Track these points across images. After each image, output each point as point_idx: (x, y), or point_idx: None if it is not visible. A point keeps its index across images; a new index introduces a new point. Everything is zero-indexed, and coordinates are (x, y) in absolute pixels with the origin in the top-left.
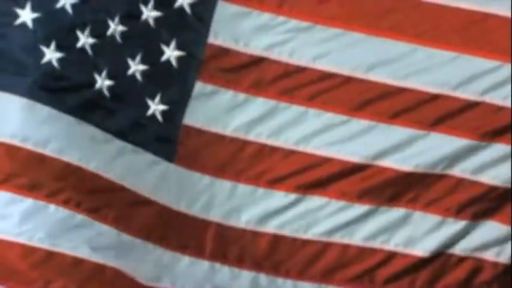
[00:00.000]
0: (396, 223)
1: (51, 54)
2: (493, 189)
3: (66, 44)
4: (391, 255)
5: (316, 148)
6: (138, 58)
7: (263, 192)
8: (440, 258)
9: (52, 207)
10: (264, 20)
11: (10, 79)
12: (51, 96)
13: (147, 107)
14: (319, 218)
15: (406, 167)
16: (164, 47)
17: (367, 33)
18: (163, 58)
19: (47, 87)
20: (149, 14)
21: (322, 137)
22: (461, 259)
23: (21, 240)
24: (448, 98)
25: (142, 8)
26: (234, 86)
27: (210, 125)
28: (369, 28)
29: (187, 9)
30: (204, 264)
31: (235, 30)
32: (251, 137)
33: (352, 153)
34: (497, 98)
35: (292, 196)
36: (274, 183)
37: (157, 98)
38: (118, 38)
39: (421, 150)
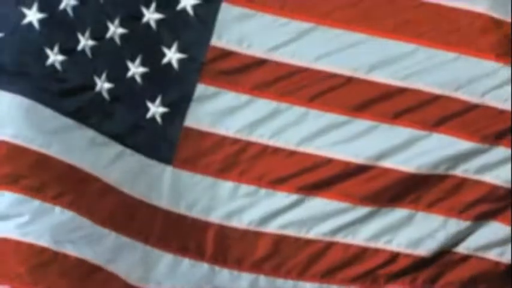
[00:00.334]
0: (399, 224)
1: (54, 57)
2: (496, 189)
3: (68, 47)
4: (393, 256)
5: (319, 149)
6: (138, 60)
7: (265, 193)
8: (443, 256)
9: (57, 209)
10: (267, 22)
11: (15, 79)
12: (52, 98)
13: (147, 110)
14: (321, 219)
15: (409, 167)
16: (165, 50)
17: (368, 33)
18: (164, 60)
19: (49, 89)
20: (151, 16)
21: (324, 137)
22: (464, 258)
23: (28, 240)
24: (449, 99)
25: (144, 10)
26: (236, 87)
27: (212, 127)
28: (370, 29)
29: (190, 11)
30: (204, 267)
31: (238, 32)
32: (253, 138)
33: (354, 154)
34: (497, 100)
35: (295, 197)
36: (276, 183)
37: (158, 101)
38: (117, 40)
39: (423, 151)
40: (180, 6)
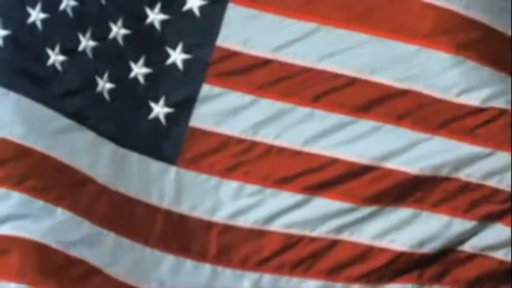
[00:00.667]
0: (403, 222)
1: (55, 57)
2: (499, 193)
3: (68, 47)
4: (398, 255)
5: (324, 149)
6: (141, 61)
7: (270, 193)
8: (448, 254)
9: (59, 210)
10: (272, 22)
11: (19, 80)
12: (53, 98)
13: (150, 110)
14: (326, 218)
15: (412, 169)
16: (170, 50)
17: (372, 34)
18: (169, 61)
19: (50, 89)
20: (155, 17)
21: (329, 138)
22: (470, 256)
23: (33, 239)
24: (450, 103)
25: (148, 11)
26: (240, 87)
27: (217, 127)
28: (374, 29)
29: (197, 12)
30: (206, 268)
31: (244, 32)
32: (258, 138)
33: (358, 154)
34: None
35: (300, 197)
36: (282, 183)
37: (162, 101)
38: (120, 41)
39: (426, 153)
40: (186, 7)
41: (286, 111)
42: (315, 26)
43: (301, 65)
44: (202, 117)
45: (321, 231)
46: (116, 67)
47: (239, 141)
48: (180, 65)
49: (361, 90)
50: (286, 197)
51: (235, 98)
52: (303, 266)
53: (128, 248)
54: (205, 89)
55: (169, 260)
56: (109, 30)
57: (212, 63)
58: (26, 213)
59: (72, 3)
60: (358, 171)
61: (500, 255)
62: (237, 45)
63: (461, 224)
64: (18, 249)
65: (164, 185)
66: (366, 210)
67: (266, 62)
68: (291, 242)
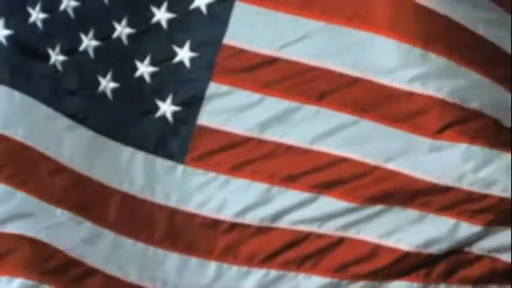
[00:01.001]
0: (409, 223)
1: (55, 57)
2: (504, 201)
3: (69, 47)
4: (405, 253)
5: (331, 147)
6: (147, 60)
7: (278, 191)
8: (455, 255)
9: (59, 211)
10: (280, 20)
11: (21, 78)
12: (54, 98)
13: (157, 109)
14: (333, 216)
15: (416, 173)
16: (177, 49)
17: (375, 32)
18: (176, 59)
19: (51, 89)
20: (162, 16)
21: (336, 136)
22: (478, 257)
23: (38, 238)
24: (451, 106)
25: (154, 10)
26: (248, 85)
27: (225, 125)
28: (379, 29)
29: (204, 10)
30: (211, 265)
31: (251, 30)
32: (266, 136)
33: (365, 154)
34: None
35: (306, 195)
36: (289, 181)
37: (169, 100)
38: (125, 40)
39: (430, 159)
40: (193, 6)
41: (293, 109)
42: (320, 24)
43: (307, 63)
44: (209, 116)
45: (328, 229)
46: (120, 66)
47: (246, 139)
48: (187, 63)
49: (366, 89)
50: (293, 195)
51: (242, 96)
52: (309, 263)
53: (130, 247)
54: (213, 87)
55: (173, 258)
56: (113, 29)
57: (219, 61)
58: (28, 213)
59: (73, 3)
60: (365, 171)
61: (508, 257)
62: (244, 43)
63: (467, 228)
64: (23, 247)
65: (170, 183)
66: (371, 210)
67: (273, 60)
68: (298, 238)
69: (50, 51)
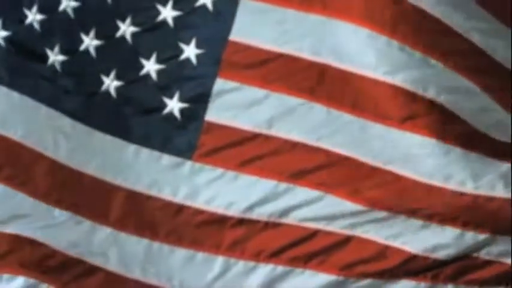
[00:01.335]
0: (415, 230)
1: (54, 57)
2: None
3: (69, 47)
4: (412, 256)
5: (335, 146)
6: (153, 58)
7: (285, 187)
8: (463, 259)
9: (57, 211)
10: (285, 16)
11: (19, 78)
12: (55, 98)
13: (164, 106)
14: (340, 216)
15: (421, 177)
16: (183, 46)
17: (377, 32)
18: (183, 57)
19: (51, 89)
20: (168, 14)
21: (342, 136)
22: (486, 262)
23: (37, 238)
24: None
25: (160, 8)
26: (254, 81)
27: (233, 121)
28: (378, 27)
29: (210, 7)
30: (218, 260)
31: (257, 26)
32: (273, 132)
33: (365, 154)
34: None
35: (314, 193)
36: (296, 178)
37: (176, 96)
38: (129, 39)
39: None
40: (199, 3)
41: (299, 106)
42: (324, 19)
43: (313, 60)
44: (217, 111)
45: (336, 227)
46: (124, 65)
47: (254, 135)
48: (193, 59)
49: (368, 89)
50: (300, 192)
51: (249, 91)
52: (316, 260)
53: (134, 244)
54: (220, 83)
55: (179, 253)
56: (116, 28)
57: (225, 58)
58: (27, 213)
59: (73, 3)
60: (369, 172)
61: None
62: (250, 39)
63: (473, 236)
64: (23, 247)
65: (178, 179)
66: (378, 213)
67: (279, 56)
68: (306, 235)
69: (48, 52)
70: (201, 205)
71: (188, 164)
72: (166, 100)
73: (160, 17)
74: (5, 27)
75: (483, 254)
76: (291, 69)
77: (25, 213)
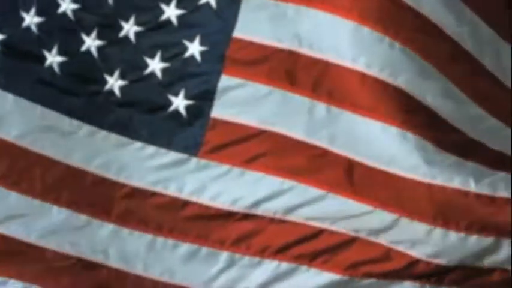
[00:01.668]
0: (418, 235)
1: (52, 58)
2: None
3: (68, 48)
4: (416, 260)
5: (339, 147)
6: (157, 56)
7: (290, 185)
8: (467, 268)
9: (55, 209)
10: (290, 12)
11: (14, 80)
12: (56, 98)
13: (169, 103)
14: (345, 217)
15: (423, 178)
16: (187, 43)
17: (380, 32)
18: (187, 54)
19: (51, 90)
20: (172, 13)
21: (347, 136)
22: (490, 270)
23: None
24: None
25: (164, 7)
26: (259, 78)
27: (238, 117)
28: (380, 27)
29: (214, 4)
30: (223, 255)
31: (260, 23)
32: (277, 128)
33: (375, 156)
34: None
35: (319, 191)
36: (301, 176)
37: (181, 94)
38: (133, 38)
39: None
40: (202, 1)
41: (301, 103)
42: (328, 16)
43: (317, 57)
44: (223, 108)
45: (340, 227)
46: (128, 64)
47: (260, 131)
48: (198, 57)
49: (371, 89)
50: (305, 190)
51: (254, 88)
52: (321, 258)
53: (137, 239)
54: (224, 79)
55: (183, 248)
56: (119, 28)
57: (229, 54)
58: (21, 214)
59: (73, 5)
60: (373, 173)
61: None
62: (254, 35)
63: (477, 241)
64: (16, 249)
65: (184, 176)
66: (384, 216)
67: (281, 53)
68: (311, 233)
69: (46, 53)
70: (207, 201)
71: (194, 161)
72: (172, 98)
73: (164, 16)
74: (1, 31)
75: (486, 263)
76: (296, 66)
77: (20, 213)
